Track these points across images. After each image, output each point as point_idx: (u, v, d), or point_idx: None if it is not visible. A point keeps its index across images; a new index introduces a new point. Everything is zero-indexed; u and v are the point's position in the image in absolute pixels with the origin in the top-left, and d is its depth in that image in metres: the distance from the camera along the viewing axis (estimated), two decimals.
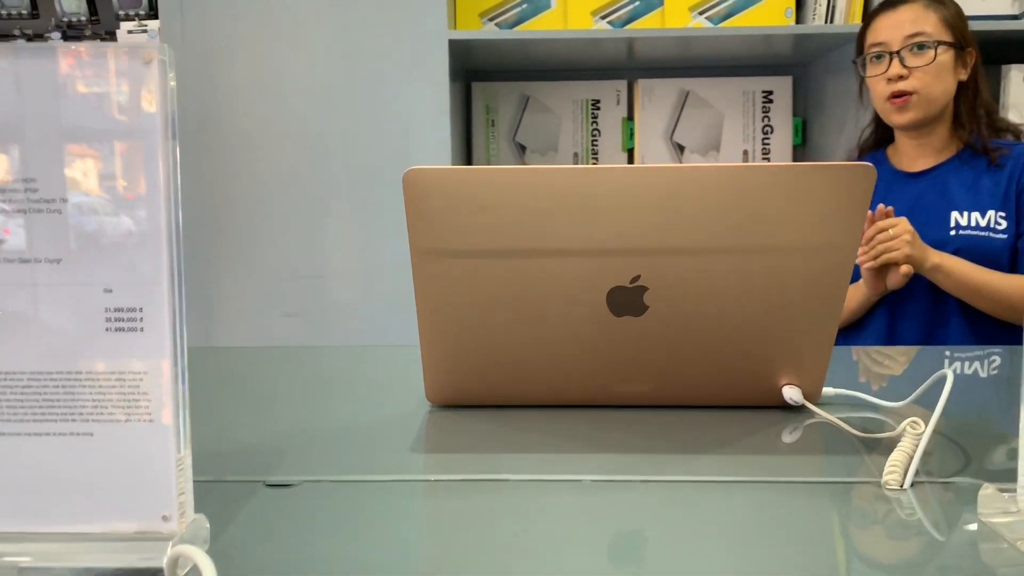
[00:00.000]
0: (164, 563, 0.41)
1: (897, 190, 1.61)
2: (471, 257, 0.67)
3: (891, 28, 1.53)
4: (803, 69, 2.36)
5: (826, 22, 2.02)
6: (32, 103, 0.42)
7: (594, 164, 2.36)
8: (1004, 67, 1.99)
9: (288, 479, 0.58)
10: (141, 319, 0.43)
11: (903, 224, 1.42)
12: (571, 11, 2.11)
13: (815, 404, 0.74)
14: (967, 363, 0.99)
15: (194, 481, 0.45)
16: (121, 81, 0.41)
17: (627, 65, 2.34)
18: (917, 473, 0.56)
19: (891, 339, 1.55)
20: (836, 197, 0.63)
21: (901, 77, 1.51)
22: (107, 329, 0.43)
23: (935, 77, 1.50)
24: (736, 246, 0.66)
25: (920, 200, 1.56)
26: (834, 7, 2.01)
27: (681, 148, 2.36)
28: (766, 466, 0.60)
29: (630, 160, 2.37)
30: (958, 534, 0.48)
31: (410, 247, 0.66)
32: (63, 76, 0.41)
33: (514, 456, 0.62)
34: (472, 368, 0.73)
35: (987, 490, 0.49)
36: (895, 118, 1.56)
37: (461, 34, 1.96)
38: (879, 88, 1.56)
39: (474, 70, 2.36)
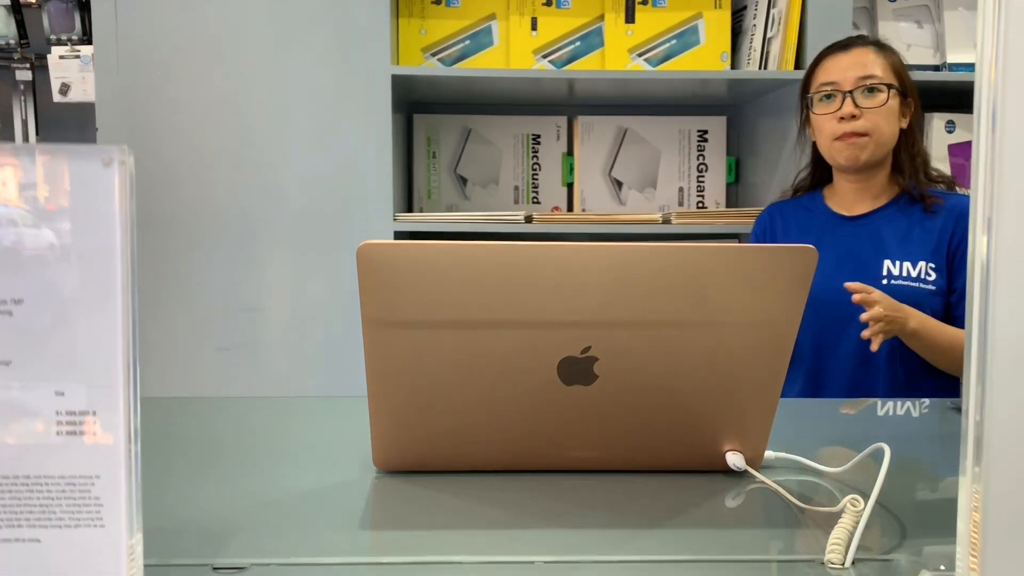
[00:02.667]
0: None
1: (832, 233, 1.62)
2: (423, 328, 0.67)
3: (843, 69, 1.54)
4: (737, 110, 2.43)
5: (760, 67, 2.08)
6: None
7: (534, 197, 2.38)
8: (927, 115, 2.09)
9: (237, 562, 0.57)
10: (95, 423, 0.42)
11: (886, 302, 1.37)
12: (513, 49, 2.13)
13: (757, 469, 0.77)
14: (901, 422, 1.03)
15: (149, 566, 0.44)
16: (79, 184, 0.40)
17: (567, 101, 2.37)
18: (858, 550, 0.58)
19: (817, 385, 1.56)
20: (779, 277, 0.65)
21: (854, 116, 1.51)
22: (58, 433, 0.42)
23: (885, 119, 1.52)
24: (683, 320, 0.67)
25: (854, 246, 1.58)
26: (768, 54, 2.08)
27: (619, 184, 2.40)
28: (712, 541, 0.62)
29: (569, 195, 2.40)
30: None
31: (362, 317, 0.66)
32: (19, 178, 0.40)
33: (464, 532, 0.63)
34: (421, 435, 0.73)
35: (926, 574, 0.51)
36: (843, 157, 1.54)
37: (404, 69, 1.96)
38: (828, 127, 1.55)
39: (416, 102, 2.36)
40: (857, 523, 0.59)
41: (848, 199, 1.62)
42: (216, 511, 0.66)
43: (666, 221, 2.04)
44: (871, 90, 1.52)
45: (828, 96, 1.55)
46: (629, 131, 2.39)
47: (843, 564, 0.57)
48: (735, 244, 0.64)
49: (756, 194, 2.34)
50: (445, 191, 2.38)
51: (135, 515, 0.43)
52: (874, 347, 1.34)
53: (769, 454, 0.79)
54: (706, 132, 2.41)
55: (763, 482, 0.74)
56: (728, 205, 2.41)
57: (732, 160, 2.41)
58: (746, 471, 0.75)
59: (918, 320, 1.40)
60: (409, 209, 2.36)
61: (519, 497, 0.70)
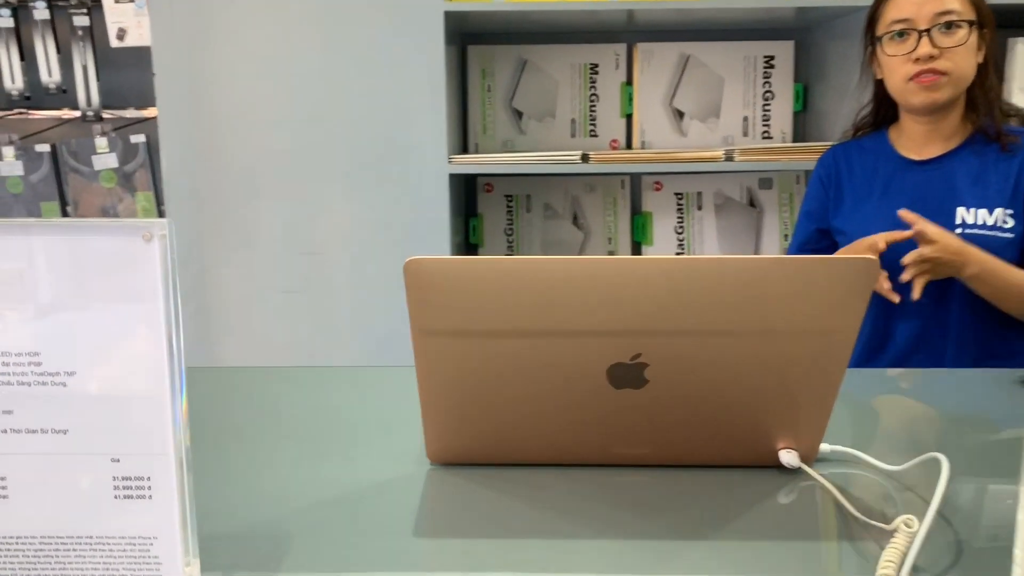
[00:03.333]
0: None
1: (900, 178, 1.52)
2: (471, 337, 0.67)
3: (917, 4, 1.42)
4: (805, 34, 2.31)
5: None
6: (38, 278, 0.41)
7: (592, 130, 2.33)
8: (1010, 40, 1.96)
9: None
10: (149, 487, 0.43)
11: (942, 242, 1.32)
12: None
13: (811, 463, 0.76)
14: (963, 400, 1.00)
15: None
16: (123, 258, 0.41)
17: (627, 28, 2.29)
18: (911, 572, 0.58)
19: (883, 341, 1.50)
20: (838, 288, 0.63)
21: (931, 57, 1.40)
22: (115, 497, 0.43)
23: (964, 58, 1.41)
24: (738, 330, 0.66)
25: (925, 192, 1.47)
26: None
27: (681, 114, 2.33)
28: (760, 554, 0.62)
29: (628, 127, 2.34)
30: None
31: (411, 327, 0.66)
32: (69, 253, 0.41)
33: (516, 543, 0.64)
34: (472, 433, 0.74)
35: None
36: (918, 100, 1.44)
37: (457, 5, 1.91)
38: (901, 68, 1.44)
39: (470, 33, 2.31)
40: (909, 546, 0.59)
41: (918, 141, 1.52)
42: (271, 513, 0.69)
43: (729, 158, 1.98)
44: (949, 26, 1.40)
45: (900, 34, 1.44)
46: (691, 58, 2.30)
47: None
48: (792, 256, 0.62)
49: (825, 123, 2.24)
50: (500, 125, 2.34)
51: (193, 561, 0.45)
52: (915, 293, 1.29)
53: (824, 447, 0.78)
54: (772, 58, 2.30)
55: (817, 481, 0.73)
56: (795, 135, 2.33)
57: (800, 87, 2.31)
58: (800, 468, 0.74)
59: (979, 264, 1.33)
60: (464, 145, 2.33)
61: (569, 497, 0.71)
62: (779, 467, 0.76)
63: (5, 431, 0.42)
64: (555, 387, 0.70)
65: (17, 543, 0.43)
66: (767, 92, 2.32)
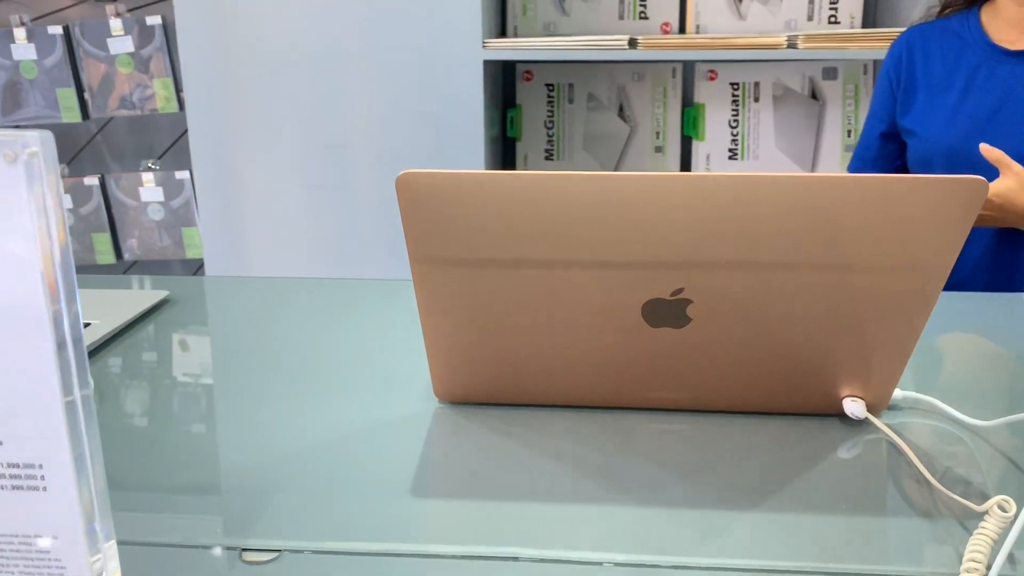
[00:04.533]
0: None
1: (988, 70, 1.27)
2: (480, 267, 0.56)
3: None
4: None
5: None
6: None
7: (642, 12, 2.13)
8: None
9: (269, 544, 0.51)
10: (42, 476, 0.34)
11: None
12: None
13: (880, 413, 0.65)
14: None
15: (160, 545, 0.38)
16: None
17: None
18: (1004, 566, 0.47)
19: (995, 260, 1.27)
20: (936, 215, 0.50)
21: None
22: (2, 488, 0.34)
23: None
24: (803, 262, 0.54)
25: (1017, 90, 1.24)
26: None
27: None
28: (819, 530, 0.52)
29: (682, 8, 2.13)
30: None
31: (408, 254, 0.56)
32: None
33: (529, 507, 0.54)
34: (484, 371, 0.64)
35: None
36: None
37: None
38: None
39: None
40: (1004, 536, 0.48)
41: (1016, 25, 1.27)
42: (251, 461, 0.60)
43: (792, 46, 1.79)
44: None
45: None
46: None
47: None
48: (878, 176, 0.49)
49: (900, 7, 2.02)
50: (542, 6, 2.16)
51: (107, 565, 0.36)
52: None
53: (897, 393, 0.67)
54: None
55: (887, 436, 0.62)
56: (865, 21, 2.10)
57: None
58: (867, 419, 0.63)
59: None
60: (503, 27, 2.16)
61: (594, 445, 0.61)
62: (842, 416, 0.65)
63: None
64: (581, 325, 0.59)
65: None
66: None
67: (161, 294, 0.92)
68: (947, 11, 1.37)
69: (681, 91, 2.19)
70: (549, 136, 2.25)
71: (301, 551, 0.50)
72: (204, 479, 0.58)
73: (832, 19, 2.11)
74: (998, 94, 1.26)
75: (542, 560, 0.49)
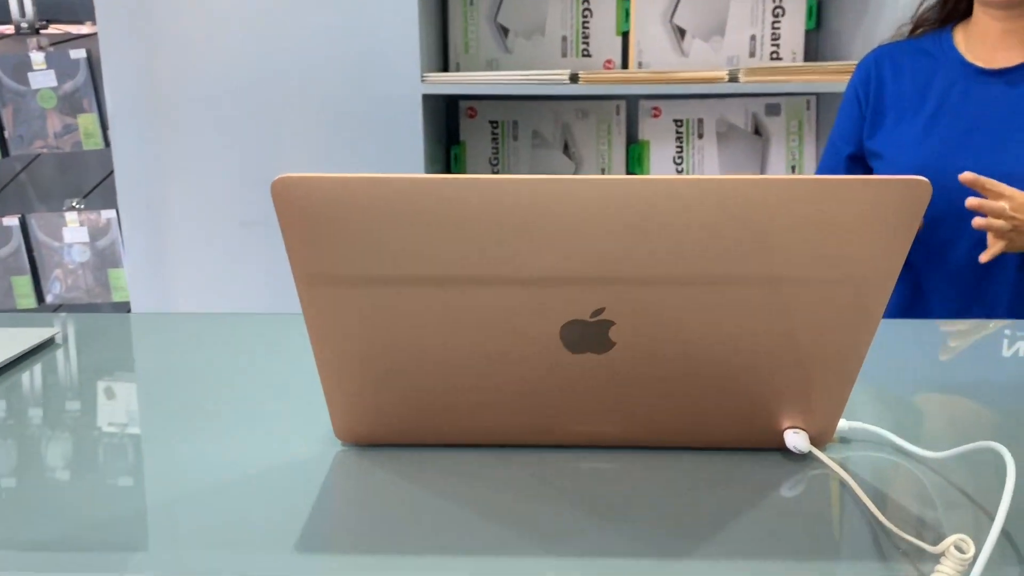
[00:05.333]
0: None
1: (962, 91, 1.20)
2: (376, 286, 0.49)
3: None
4: None
5: None
6: None
7: (584, 50, 2.11)
8: None
9: None
10: None
11: (1016, 198, 1.03)
12: None
13: (825, 446, 0.59)
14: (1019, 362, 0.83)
15: None
16: None
17: None
18: None
19: (922, 294, 1.22)
20: (876, 220, 0.45)
21: None
22: None
23: None
24: (735, 276, 0.48)
25: (991, 111, 1.17)
26: None
27: (682, 32, 2.11)
28: (758, 568, 0.46)
29: (624, 46, 2.12)
30: None
31: (292, 271, 0.49)
32: None
33: (435, 561, 0.47)
34: (387, 408, 0.57)
35: None
36: None
37: None
38: None
39: None
40: None
41: (990, 44, 1.20)
42: (125, 510, 0.53)
43: (733, 79, 1.78)
44: None
45: None
46: None
47: None
48: (812, 177, 0.44)
49: (839, 44, 2.03)
50: (484, 43, 2.13)
51: None
52: (984, 257, 1.04)
53: (843, 424, 0.61)
54: None
55: (834, 471, 0.56)
56: (807, 55, 2.11)
57: (813, 2, 2.09)
58: (810, 453, 0.58)
59: None
60: (445, 65, 2.12)
61: (512, 489, 0.54)
62: (784, 450, 0.59)
63: None
64: (494, 351, 0.53)
65: None
66: (777, 8, 2.10)
67: (49, 331, 0.83)
68: (919, 31, 1.31)
69: (625, 128, 2.17)
70: (494, 173, 2.20)
71: None
72: (71, 530, 0.50)
73: (774, 55, 2.12)
74: (972, 115, 1.19)
75: None
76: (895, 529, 0.49)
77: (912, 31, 1.31)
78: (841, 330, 0.51)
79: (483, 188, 0.46)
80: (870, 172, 1.29)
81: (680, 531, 0.50)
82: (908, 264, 1.19)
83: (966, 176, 1.03)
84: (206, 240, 1.86)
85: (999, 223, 1.01)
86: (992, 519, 0.46)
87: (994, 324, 0.96)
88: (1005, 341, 0.87)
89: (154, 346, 0.85)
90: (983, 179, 1.03)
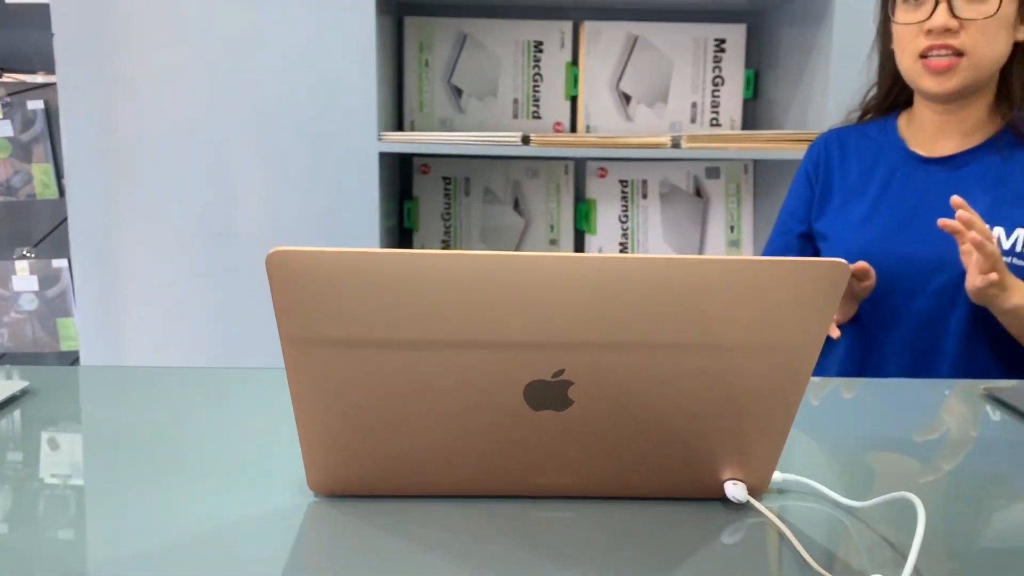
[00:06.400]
0: None
1: (903, 177, 1.24)
2: (355, 348, 0.54)
3: None
4: (758, 18, 2.22)
5: None
6: None
7: (535, 112, 2.20)
8: None
9: None
10: None
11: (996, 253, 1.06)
12: None
13: (761, 496, 0.65)
14: (926, 417, 0.91)
15: None
16: None
17: (573, 5, 2.17)
18: None
19: (865, 358, 1.25)
20: (802, 296, 0.51)
21: (948, 30, 1.11)
22: None
23: (991, 37, 1.12)
24: (678, 343, 0.54)
25: (930, 197, 1.20)
26: None
27: (628, 98, 2.22)
28: None
29: (573, 109, 2.22)
30: None
31: (279, 334, 0.53)
32: None
33: None
34: (362, 460, 0.61)
35: None
36: (928, 84, 1.17)
37: None
38: (912, 41, 1.17)
39: (407, 3, 2.16)
40: None
41: (930, 133, 1.25)
42: (94, 567, 0.55)
43: (675, 145, 1.88)
44: None
45: None
46: (640, 39, 2.20)
47: None
48: (744, 258, 0.50)
49: (775, 112, 2.16)
50: (438, 103, 2.21)
51: None
52: (978, 282, 1.04)
53: (777, 476, 0.67)
54: (723, 41, 2.21)
55: (768, 519, 0.62)
56: (744, 122, 2.24)
57: (751, 73, 2.22)
58: (748, 503, 0.63)
59: (1022, 295, 1.08)
60: (400, 122, 2.19)
61: (478, 537, 0.59)
62: (724, 501, 0.65)
63: None
64: (462, 408, 0.58)
65: None
66: (717, 77, 2.22)
67: (19, 384, 0.85)
68: (867, 116, 1.36)
69: (573, 187, 2.26)
70: (446, 227, 2.26)
71: None
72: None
73: (714, 121, 2.23)
74: (913, 200, 1.23)
75: None
76: (821, 570, 0.55)
77: (860, 117, 1.36)
78: (773, 391, 0.57)
79: (454, 262, 0.51)
80: (818, 252, 1.34)
81: (622, 565, 0.55)
82: (863, 327, 1.25)
83: (943, 222, 1.04)
84: (159, 291, 1.87)
85: (991, 247, 1.03)
86: (906, 559, 0.52)
87: (931, 384, 1.04)
88: (935, 400, 0.95)
89: (125, 399, 0.88)
90: (960, 221, 1.04)
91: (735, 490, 0.63)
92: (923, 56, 1.17)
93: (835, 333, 1.19)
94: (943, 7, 1.12)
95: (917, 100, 1.27)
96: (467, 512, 0.62)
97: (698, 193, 2.26)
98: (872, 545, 0.60)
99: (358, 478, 0.62)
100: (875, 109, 1.35)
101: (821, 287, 0.51)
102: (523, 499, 0.64)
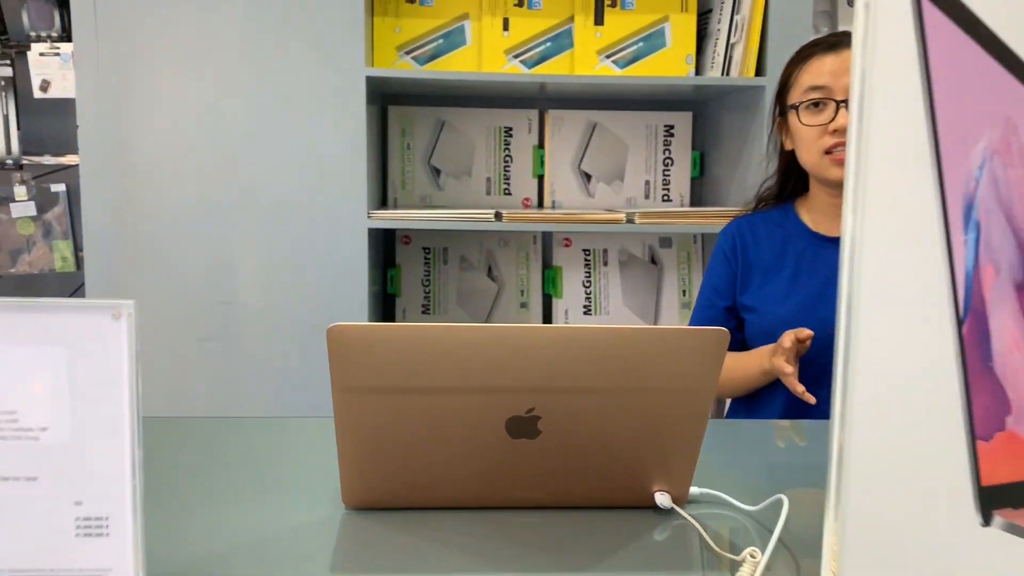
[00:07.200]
0: None
1: (813, 256, 1.43)
2: (386, 394, 0.76)
3: (834, 74, 1.35)
4: (703, 106, 2.51)
5: (723, 72, 2.16)
6: (17, 351, 0.49)
7: (506, 188, 2.45)
8: None
9: None
10: (107, 526, 0.51)
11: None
12: (485, 48, 2.19)
13: (683, 504, 0.87)
14: (819, 449, 1.14)
15: None
16: (95, 334, 0.49)
17: (539, 96, 2.44)
18: None
19: (804, 410, 1.39)
20: (695, 353, 0.75)
21: None
22: (76, 535, 0.51)
23: None
24: (613, 387, 0.77)
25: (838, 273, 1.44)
26: (731, 58, 2.15)
27: (588, 176, 2.48)
28: None
29: (540, 186, 2.47)
30: None
31: (332, 385, 0.75)
32: (46, 329, 0.49)
33: (419, 566, 0.73)
34: (385, 480, 0.82)
35: None
36: (837, 174, 1.37)
37: (378, 71, 2.02)
38: (818, 141, 1.37)
39: (391, 95, 2.42)
40: (753, 573, 0.70)
41: (831, 216, 1.44)
42: (189, 556, 0.76)
43: (630, 221, 2.13)
44: None
45: (817, 104, 1.38)
46: (598, 126, 2.47)
47: None
48: (651, 327, 0.73)
49: (720, 188, 2.43)
50: (419, 181, 2.45)
51: None
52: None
53: (695, 489, 0.89)
54: (672, 127, 2.49)
55: (686, 519, 0.84)
56: (692, 197, 2.51)
57: (697, 154, 2.50)
58: (672, 509, 0.86)
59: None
60: (383, 198, 2.43)
61: (470, 538, 0.80)
62: (655, 508, 0.87)
63: None
64: (460, 437, 0.80)
65: None
66: (667, 158, 2.49)
67: None
68: (761, 206, 1.55)
69: (541, 255, 2.50)
70: (426, 293, 2.49)
71: None
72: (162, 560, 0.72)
73: (665, 197, 2.50)
74: (824, 274, 1.42)
75: None
76: (720, 551, 0.77)
77: (755, 206, 1.57)
78: (682, 423, 0.79)
79: (456, 332, 0.74)
80: (743, 321, 1.54)
81: (584, 560, 0.76)
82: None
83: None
84: (165, 353, 2.06)
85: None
86: (779, 541, 0.74)
87: (824, 424, 1.27)
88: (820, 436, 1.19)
89: (159, 443, 1.08)
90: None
91: (662, 499, 0.85)
92: (827, 152, 1.38)
93: (811, 400, 1.33)
94: (843, 111, 1.34)
95: (814, 187, 1.47)
96: (464, 519, 0.83)
97: (653, 260, 2.51)
98: (758, 533, 0.82)
99: (382, 493, 0.83)
100: (770, 199, 1.55)
101: (707, 347, 0.74)
102: (505, 509, 0.86)
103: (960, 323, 0.55)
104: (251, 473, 0.97)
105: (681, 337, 0.74)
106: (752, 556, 0.72)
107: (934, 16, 0.53)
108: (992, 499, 0.56)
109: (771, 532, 0.81)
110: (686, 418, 0.79)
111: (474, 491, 0.84)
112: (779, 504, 0.82)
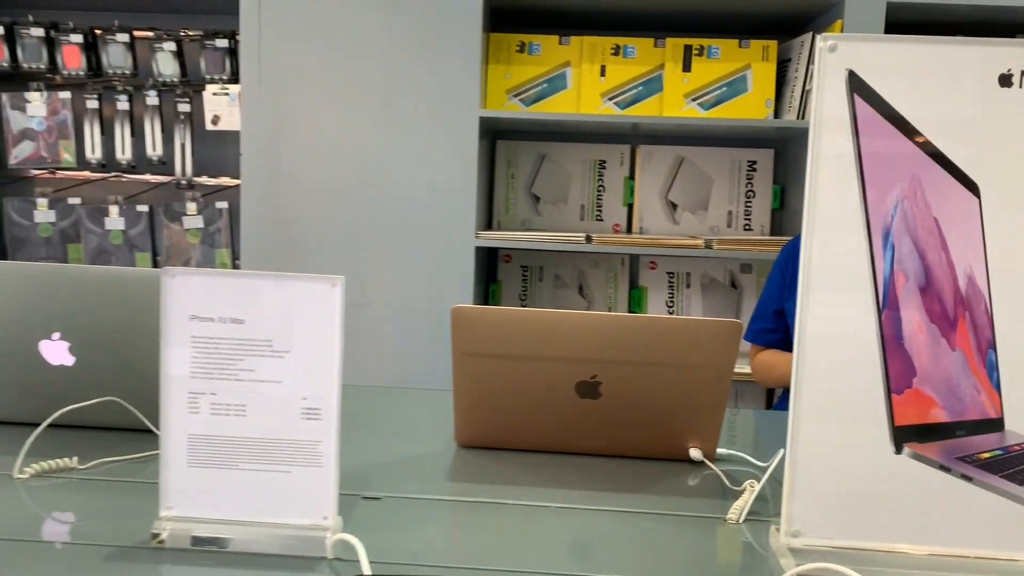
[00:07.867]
0: (328, 545, 0.81)
1: None
2: (491, 358, 1.06)
3: None
4: (783, 144, 2.73)
5: (798, 117, 2.39)
6: (271, 304, 0.81)
7: (598, 215, 2.74)
8: None
9: (376, 494, 0.97)
10: (320, 412, 0.82)
11: None
12: (584, 92, 2.49)
13: (712, 459, 1.14)
14: None
15: None
16: (316, 297, 0.81)
17: (631, 132, 2.72)
18: (750, 514, 0.95)
19: None
20: (712, 338, 1.02)
21: None
22: (301, 418, 0.82)
23: None
24: (655, 361, 1.05)
25: None
26: (806, 104, 2.38)
27: (675, 205, 2.74)
28: (666, 504, 0.99)
29: (629, 213, 2.75)
30: (755, 553, 0.87)
31: (452, 350, 1.06)
32: (287, 290, 0.81)
33: (509, 488, 1.02)
34: (486, 424, 1.12)
35: (773, 527, 0.88)
36: None
37: (490, 112, 2.35)
38: None
39: (500, 130, 2.75)
40: (749, 498, 0.96)
41: None
42: (359, 463, 1.07)
43: (708, 247, 2.38)
44: None
45: None
46: (685, 160, 2.73)
47: (737, 521, 0.94)
48: (681, 318, 1.01)
49: (798, 219, 2.64)
50: (521, 207, 2.76)
51: (336, 464, 0.83)
52: None
53: (722, 450, 1.16)
54: (755, 162, 2.72)
55: (712, 469, 1.10)
56: (772, 228, 2.73)
57: (778, 188, 2.71)
58: (703, 461, 1.12)
59: None
60: (489, 219, 2.75)
61: (547, 469, 1.09)
62: (689, 460, 1.13)
63: (250, 381, 0.82)
64: (542, 395, 1.09)
65: (251, 441, 0.82)
66: (749, 191, 2.72)
67: None
68: None
69: (628, 276, 2.77)
70: (523, 306, 2.79)
71: (393, 496, 0.97)
72: None
73: (747, 226, 2.73)
74: None
75: (518, 504, 0.96)
76: (733, 487, 1.03)
77: None
78: (706, 392, 1.06)
79: (547, 316, 1.03)
80: (790, 325, 1.83)
81: (633, 495, 1.03)
82: None
83: None
84: None
85: None
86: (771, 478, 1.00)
87: None
88: None
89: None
90: None
91: (695, 452, 1.12)
92: None
93: None
94: None
95: None
96: (544, 458, 1.12)
97: (733, 285, 2.74)
98: (773, 485, 1.07)
99: (484, 436, 1.13)
100: None
101: (720, 335, 1.01)
102: (574, 455, 1.14)
103: (880, 312, 0.80)
104: (390, 422, 1.28)
105: (702, 325, 1.01)
106: (751, 486, 0.98)
107: (863, 106, 0.79)
108: (902, 435, 0.81)
109: (777, 480, 1.07)
110: (709, 388, 1.06)
111: (551, 438, 1.13)
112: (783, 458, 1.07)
